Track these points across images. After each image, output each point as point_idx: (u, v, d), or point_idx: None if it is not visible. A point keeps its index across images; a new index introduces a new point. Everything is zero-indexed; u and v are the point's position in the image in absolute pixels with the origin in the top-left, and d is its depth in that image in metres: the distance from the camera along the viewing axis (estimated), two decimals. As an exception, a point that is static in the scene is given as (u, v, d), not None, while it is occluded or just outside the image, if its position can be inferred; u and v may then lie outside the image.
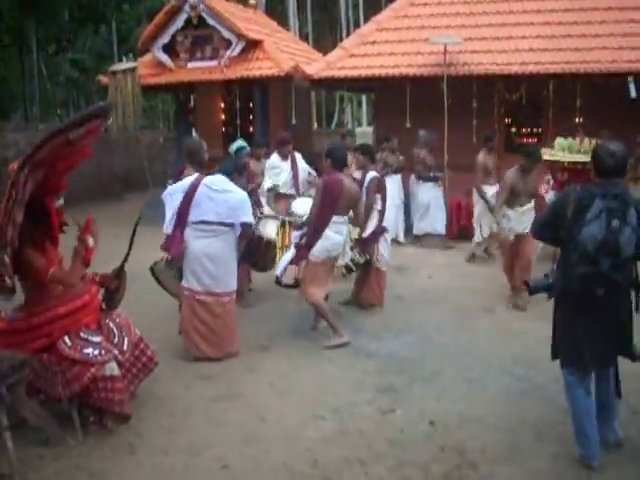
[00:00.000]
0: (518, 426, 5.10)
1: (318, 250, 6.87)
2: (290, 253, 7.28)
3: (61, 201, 5.29)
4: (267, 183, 9.53)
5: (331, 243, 6.91)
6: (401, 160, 12.15)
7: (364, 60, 13.55)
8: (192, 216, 6.50)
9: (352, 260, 7.55)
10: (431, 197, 12.15)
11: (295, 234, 7.35)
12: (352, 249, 7.55)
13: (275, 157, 9.85)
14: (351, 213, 7.16)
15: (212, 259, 6.46)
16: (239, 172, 7.57)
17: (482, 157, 10.66)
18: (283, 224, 8.28)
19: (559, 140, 8.94)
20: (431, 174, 12.06)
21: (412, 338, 7.14)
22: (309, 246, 6.89)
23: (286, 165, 9.77)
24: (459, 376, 6.11)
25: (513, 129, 13.87)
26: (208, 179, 6.58)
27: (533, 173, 8.13)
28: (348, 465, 4.59)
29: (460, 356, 6.61)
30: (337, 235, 6.94)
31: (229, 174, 6.75)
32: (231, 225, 6.50)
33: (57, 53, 30.96)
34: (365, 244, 7.71)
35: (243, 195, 6.65)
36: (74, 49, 29.98)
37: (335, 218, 6.89)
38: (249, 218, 6.64)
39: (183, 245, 6.52)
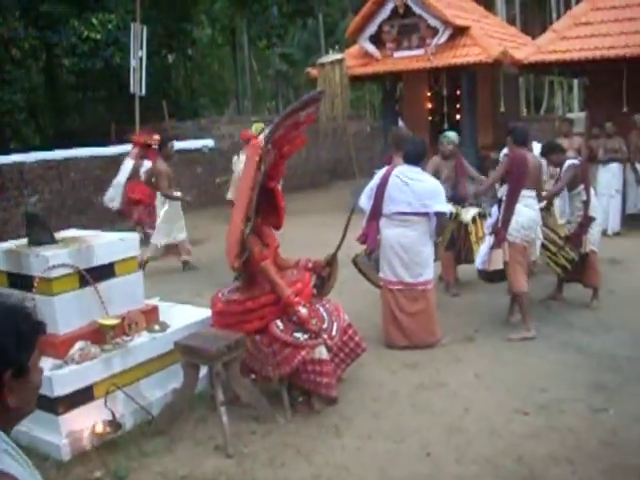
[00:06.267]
0: None
1: (514, 228, 6.69)
2: (486, 242, 7.12)
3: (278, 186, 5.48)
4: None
5: (525, 219, 6.70)
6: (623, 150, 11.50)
7: (577, 42, 12.86)
8: (385, 208, 6.54)
9: (565, 258, 7.25)
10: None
11: (487, 223, 7.21)
12: (562, 248, 7.25)
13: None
14: None
15: (405, 249, 6.47)
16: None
17: None
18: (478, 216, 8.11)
19: None
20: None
21: (625, 335, 6.73)
22: (504, 224, 6.70)
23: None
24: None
25: None
26: (398, 169, 6.59)
27: None
28: (555, 464, 4.44)
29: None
30: (529, 209, 6.75)
31: (412, 162, 6.57)
32: (426, 215, 6.46)
33: (267, 48, 32.27)
34: (575, 239, 7.38)
35: (434, 184, 6.58)
36: (283, 43, 31.11)
37: (524, 192, 6.75)
38: (442, 207, 6.55)
39: (378, 237, 6.61)
